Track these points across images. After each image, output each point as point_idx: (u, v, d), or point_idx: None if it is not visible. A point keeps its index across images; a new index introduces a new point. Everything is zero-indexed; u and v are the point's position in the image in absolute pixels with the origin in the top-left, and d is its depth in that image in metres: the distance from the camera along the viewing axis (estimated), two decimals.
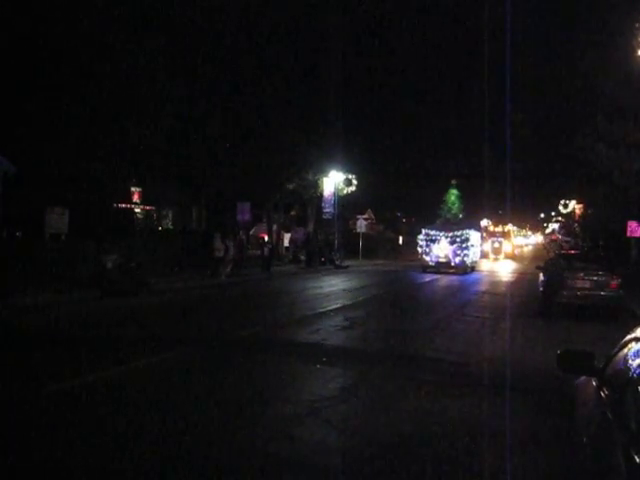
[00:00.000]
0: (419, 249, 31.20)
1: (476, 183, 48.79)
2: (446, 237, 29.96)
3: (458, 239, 29.85)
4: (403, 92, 39.73)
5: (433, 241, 30.08)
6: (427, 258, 30.21)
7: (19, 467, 4.77)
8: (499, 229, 53.43)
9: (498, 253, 47.67)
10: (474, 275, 29.91)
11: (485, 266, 38.09)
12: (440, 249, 29.78)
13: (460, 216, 55.00)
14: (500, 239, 48.91)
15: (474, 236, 32.15)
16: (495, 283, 26.27)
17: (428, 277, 27.03)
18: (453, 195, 56.85)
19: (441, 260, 29.70)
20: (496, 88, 29.29)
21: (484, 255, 44.38)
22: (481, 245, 37.37)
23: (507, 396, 6.84)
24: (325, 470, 4.89)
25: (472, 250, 30.76)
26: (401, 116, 39.99)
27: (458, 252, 29.60)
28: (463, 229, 31.08)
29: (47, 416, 6.01)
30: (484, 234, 51.72)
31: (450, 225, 34.21)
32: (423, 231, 31.16)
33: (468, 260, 30.12)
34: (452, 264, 29.57)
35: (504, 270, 35.65)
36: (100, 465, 4.82)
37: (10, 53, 18.14)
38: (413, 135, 41.54)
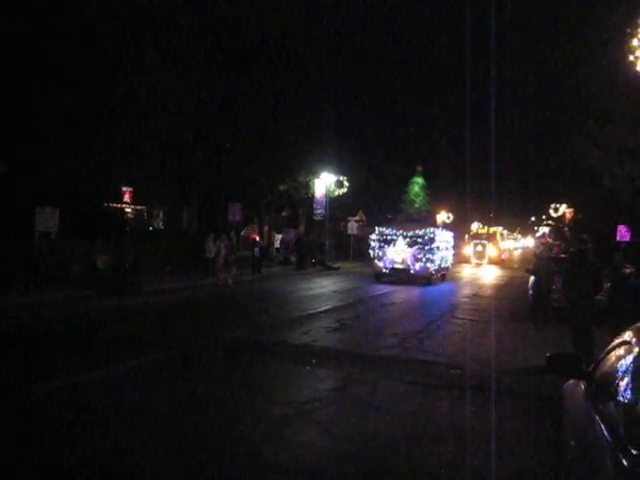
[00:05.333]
0: (370, 252, 24.88)
1: (465, 186, 48.02)
2: (404, 237, 23.73)
3: (420, 240, 23.46)
4: (395, 92, 39.78)
5: (388, 242, 23.92)
6: (380, 264, 23.97)
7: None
8: (484, 231, 49.05)
9: (481, 257, 41.96)
10: (440, 286, 23.47)
11: (463, 273, 32.35)
12: (396, 252, 23.66)
13: (449, 217, 51.44)
14: (484, 242, 43.47)
15: (443, 236, 25.63)
16: (464, 302, 18.33)
17: (380, 290, 20.73)
18: (417, 185, 46.56)
19: (397, 266, 23.60)
20: (492, 91, 29.33)
21: (465, 260, 41.12)
22: (454, 248, 29.59)
23: (496, 399, 6.86)
24: (315, 472, 4.88)
25: (440, 254, 24.22)
26: (393, 117, 40.06)
27: (419, 256, 23.21)
28: (426, 227, 24.66)
29: (34, 415, 5.98)
30: (467, 236, 49.34)
31: (410, 223, 26.84)
32: (376, 230, 24.92)
33: (433, 266, 23.40)
34: (411, 271, 23.34)
35: (484, 279, 29.20)
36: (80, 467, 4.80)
37: (2, 53, 18.05)
38: (404, 136, 41.53)
